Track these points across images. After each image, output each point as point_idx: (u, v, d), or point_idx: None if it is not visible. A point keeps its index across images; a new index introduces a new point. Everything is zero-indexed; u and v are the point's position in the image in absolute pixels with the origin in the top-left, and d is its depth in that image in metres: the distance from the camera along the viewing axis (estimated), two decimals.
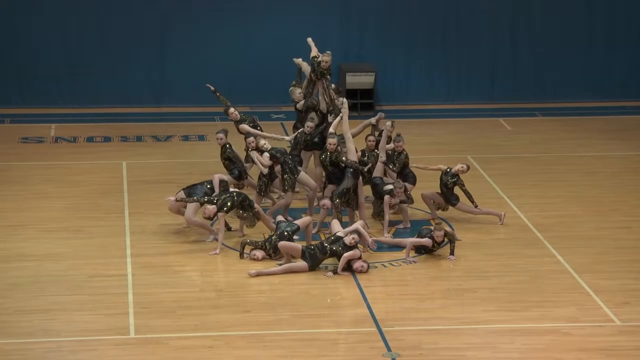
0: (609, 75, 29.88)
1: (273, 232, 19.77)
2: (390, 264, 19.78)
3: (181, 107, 28.83)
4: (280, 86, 26.36)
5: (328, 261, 19.33)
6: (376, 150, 21.56)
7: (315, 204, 21.19)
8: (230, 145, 21.42)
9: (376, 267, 19.58)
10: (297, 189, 21.73)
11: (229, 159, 21.44)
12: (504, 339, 17.08)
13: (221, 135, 21.43)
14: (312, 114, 22.34)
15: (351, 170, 20.65)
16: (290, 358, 16.40)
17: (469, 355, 16.62)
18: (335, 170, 20.82)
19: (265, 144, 21.15)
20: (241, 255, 19.64)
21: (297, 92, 22.85)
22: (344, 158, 20.58)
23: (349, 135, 21.03)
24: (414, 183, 21.76)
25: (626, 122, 28.32)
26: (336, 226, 19.79)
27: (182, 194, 20.35)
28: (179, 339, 16.93)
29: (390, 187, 20.80)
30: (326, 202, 20.24)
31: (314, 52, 22.72)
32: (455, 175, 21.25)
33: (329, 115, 22.37)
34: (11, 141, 25.74)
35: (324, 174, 21.46)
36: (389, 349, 16.63)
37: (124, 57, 28.85)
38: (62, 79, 28.69)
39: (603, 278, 19.17)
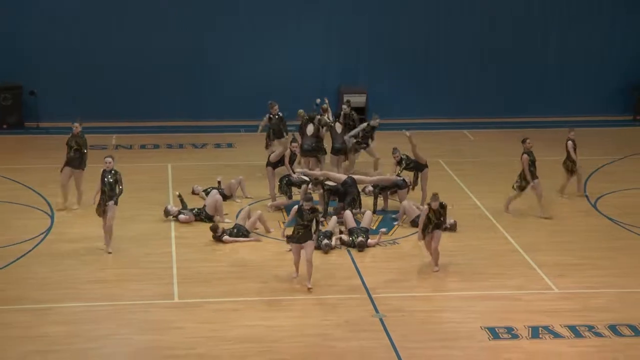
0: (556, 93, 29.95)
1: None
2: (379, 244, 19.84)
3: (214, 121, 28.83)
4: (290, 102, 26.43)
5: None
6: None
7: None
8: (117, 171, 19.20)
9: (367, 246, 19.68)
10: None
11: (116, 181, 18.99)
12: (468, 303, 17.22)
13: (109, 159, 18.94)
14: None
15: (347, 183, 20.86)
16: (301, 318, 16.56)
17: (440, 315, 16.80)
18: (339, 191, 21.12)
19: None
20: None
21: (302, 114, 23.57)
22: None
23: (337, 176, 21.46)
24: (406, 187, 21.61)
25: (564, 133, 28.19)
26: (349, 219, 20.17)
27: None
28: (213, 303, 17.07)
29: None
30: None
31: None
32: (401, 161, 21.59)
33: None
34: None
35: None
36: (377, 311, 16.79)
37: (169, 81, 28.76)
38: (120, 99, 28.64)
39: (544, 255, 19.28)
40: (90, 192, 20.15)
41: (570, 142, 22.21)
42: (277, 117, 23.63)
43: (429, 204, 18.30)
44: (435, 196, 18.27)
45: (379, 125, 23.69)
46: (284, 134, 23.43)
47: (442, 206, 18.22)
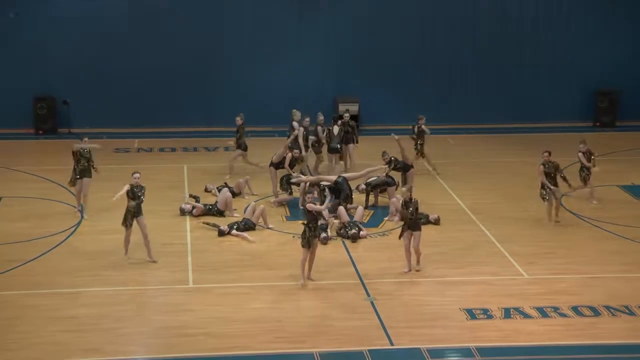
0: (525, 105, 29.90)
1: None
2: (370, 236, 19.89)
3: (225, 127, 28.76)
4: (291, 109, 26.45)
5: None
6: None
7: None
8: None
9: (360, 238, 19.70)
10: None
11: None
12: (448, 287, 17.24)
13: (137, 175, 18.09)
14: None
15: (339, 182, 20.81)
16: (303, 301, 16.58)
17: (424, 298, 16.79)
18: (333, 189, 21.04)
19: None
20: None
21: (298, 115, 23.43)
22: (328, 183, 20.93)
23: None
24: (394, 185, 21.52)
25: (533, 138, 28.28)
26: (343, 213, 20.10)
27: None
28: (224, 287, 17.09)
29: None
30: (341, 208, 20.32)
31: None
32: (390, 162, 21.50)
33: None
34: (108, 151, 25.77)
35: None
36: (368, 295, 16.81)
37: (185, 91, 28.86)
38: (142, 107, 28.63)
39: (516, 245, 19.30)
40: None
41: (580, 154, 21.58)
42: (240, 127, 23.60)
43: (403, 199, 17.76)
44: (407, 187, 17.95)
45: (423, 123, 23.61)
46: (243, 144, 23.55)
47: (412, 201, 17.44)
